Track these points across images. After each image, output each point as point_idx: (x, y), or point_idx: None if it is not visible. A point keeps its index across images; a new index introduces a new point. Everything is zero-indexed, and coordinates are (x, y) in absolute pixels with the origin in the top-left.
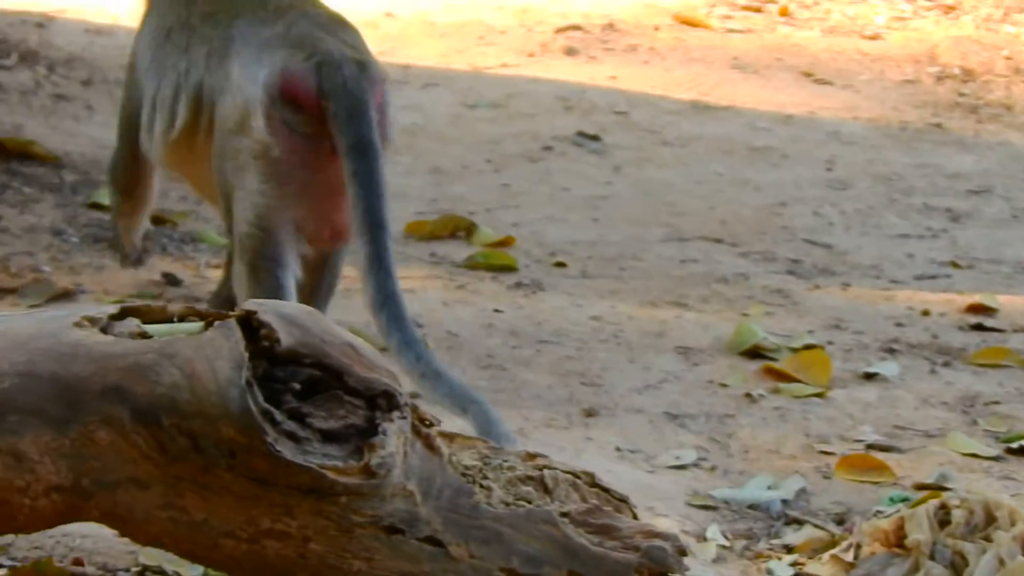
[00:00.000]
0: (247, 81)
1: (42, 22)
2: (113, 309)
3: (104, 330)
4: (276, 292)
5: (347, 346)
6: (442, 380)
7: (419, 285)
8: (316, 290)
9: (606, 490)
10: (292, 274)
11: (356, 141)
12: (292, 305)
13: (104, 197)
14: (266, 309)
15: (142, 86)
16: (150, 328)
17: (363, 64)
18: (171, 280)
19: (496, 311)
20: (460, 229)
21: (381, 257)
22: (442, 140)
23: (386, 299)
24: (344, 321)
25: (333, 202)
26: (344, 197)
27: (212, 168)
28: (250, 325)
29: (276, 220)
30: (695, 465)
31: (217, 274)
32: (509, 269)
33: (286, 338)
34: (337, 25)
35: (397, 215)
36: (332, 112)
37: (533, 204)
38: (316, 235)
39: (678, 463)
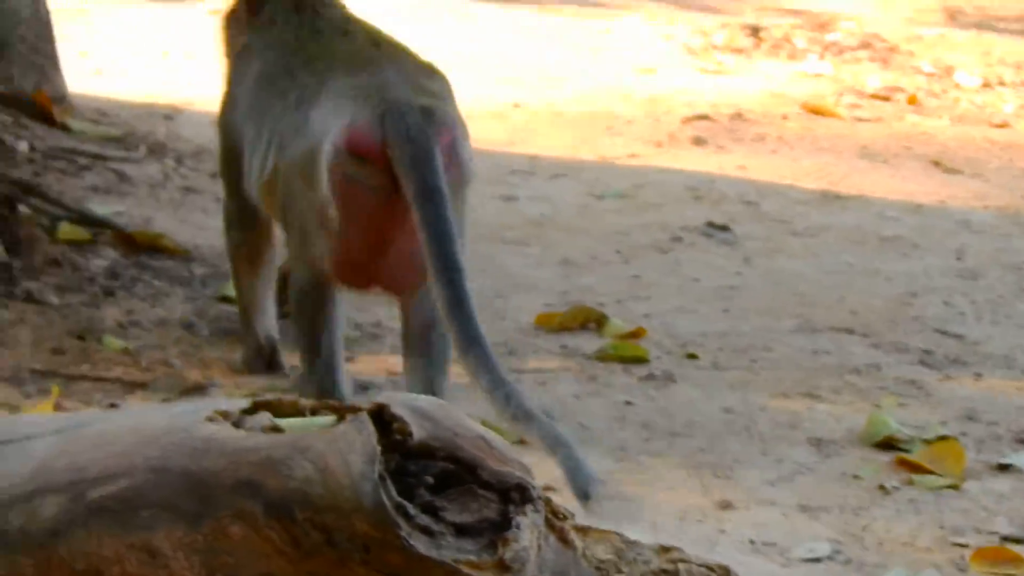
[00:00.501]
0: (319, 131)
1: (170, 114)
2: (245, 403)
3: (236, 424)
4: (320, 330)
5: (480, 439)
6: (532, 422)
7: (550, 377)
8: (431, 361)
9: None
10: (339, 314)
11: (422, 188)
12: (424, 398)
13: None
14: (398, 403)
15: (241, 131)
16: (282, 422)
17: (429, 110)
18: None
19: (628, 403)
20: (590, 321)
21: (461, 300)
22: (571, 231)
23: (471, 342)
24: (473, 413)
25: (391, 252)
26: (404, 248)
27: (282, 208)
28: (382, 418)
29: (328, 264)
30: (829, 558)
31: (350, 368)
32: (640, 361)
33: (418, 431)
34: (420, 73)
35: (527, 307)
36: (397, 160)
37: (663, 295)
38: (371, 283)
39: (812, 556)
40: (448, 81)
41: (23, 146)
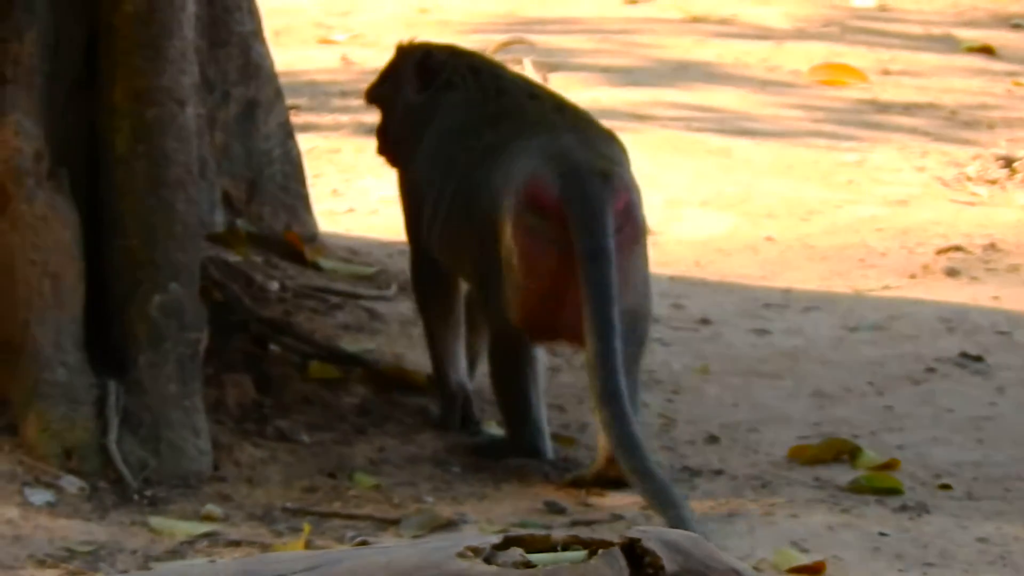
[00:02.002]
0: (504, 186)
1: None
2: (496, 539)
3: (488, 560)
4: (523, 388)
5: (731, 572)
6: (649, 480)
7: (803, 510)
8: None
9: None
10: (538, 368)
11: (589, 246)
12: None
13: (491, 427)
14: (649, 536)
15: (424, 186)
16: (534, 557)
17: (607, 174)
18: (554, 508)
19: (881, 534)
20: (844, 452)
21: (607, 356)
22: (824, 363)
23: (610, 397)
24: (724, 545)
25: (569, 303)
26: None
27: (473, 261)
28: (634, 552)
29: (522, 318)
30: None
31: (600, 501)
32: (894, 492)
33: (670, 564)
34: (600, 139)
35: (780, 439)
36: (571, 219)
37: (917, 426)
38: (554, 334)
39: None
40: (624, 148)
41: (274, 285)
